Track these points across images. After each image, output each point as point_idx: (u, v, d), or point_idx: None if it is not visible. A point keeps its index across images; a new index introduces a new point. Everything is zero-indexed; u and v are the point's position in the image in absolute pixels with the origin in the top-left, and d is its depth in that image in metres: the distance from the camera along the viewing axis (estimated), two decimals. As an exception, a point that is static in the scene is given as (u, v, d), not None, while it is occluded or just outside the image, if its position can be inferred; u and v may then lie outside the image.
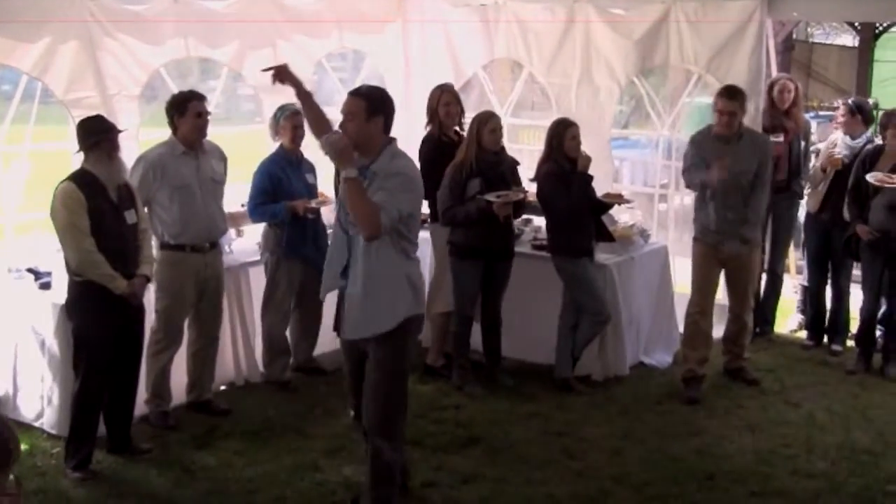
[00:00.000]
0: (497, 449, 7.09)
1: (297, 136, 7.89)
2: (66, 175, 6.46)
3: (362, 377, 5.72)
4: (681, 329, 8.92)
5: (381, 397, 5.70)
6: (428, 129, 8.56)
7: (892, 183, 8.32)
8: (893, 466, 6.93)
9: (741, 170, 7.94)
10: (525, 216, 8.66)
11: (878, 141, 8.92)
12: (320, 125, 6.00)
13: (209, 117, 7.34)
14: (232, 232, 8.30)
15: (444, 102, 8.44)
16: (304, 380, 8.32)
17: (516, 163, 8.19)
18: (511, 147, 8.46)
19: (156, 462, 6.83)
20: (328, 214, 8.41)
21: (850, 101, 9.58)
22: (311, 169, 8.23)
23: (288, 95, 8.62)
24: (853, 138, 9.13)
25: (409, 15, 10.37)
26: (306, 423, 7.49)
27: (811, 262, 9.52)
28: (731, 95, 7.96)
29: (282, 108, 8.01)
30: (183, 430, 7.32)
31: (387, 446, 5.75)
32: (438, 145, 8.32)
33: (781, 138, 9.17)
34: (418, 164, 8.17)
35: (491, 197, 7.64)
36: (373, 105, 5.57)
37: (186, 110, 7.15)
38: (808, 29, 28.56)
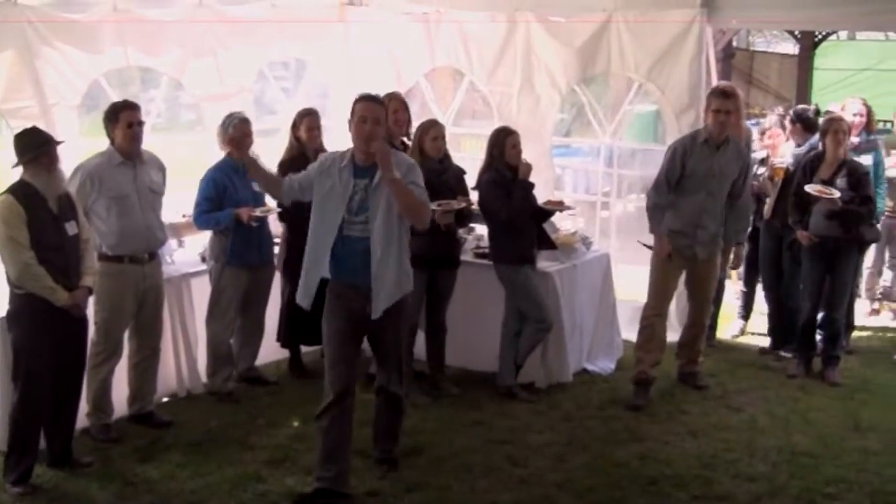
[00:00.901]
0: (441, 457, 7.07)
1: (244, 145, 7.86)
2: (4, 188, 6.39)
3: (355, 364, 6.45)
4: (623, 336, 9.01)
5: (400, 351, 6.65)
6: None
7: (829, 195, 8.42)
8: (833, 469, 7.00)
9: (726, 176, 8.04)
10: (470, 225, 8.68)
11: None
12: (273, 184, 6.75)
13: (150, 126, 7.28)
14: (173, 242, 8.25)
15: (392, 110, 8.37)
16: (247, 390, 8.28)
17: (463, 172, 8.19)
18: (454, 156, 8.47)
19: (97, 475, 6.74)
20: (274, 223, 8.42)
21: (791, 111, 9.75)
22: (257, 178, 8.19)
23: (231, 105, 8.67)
24: (798, 146, 9.26)
25: (350, 23, 10.38)
26: (249, 434, 7.43)
27: (766, 267, 9.61)
28: (727, 95, 8.00)
29: (229, 117, 7.98)
30: (125, 442, 7.23)
31: (402, 392, 6.73)
32: None
33: None
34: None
35: (432, 206, 7.63)
36: (384, 110, 6.32)
37: (119, 120, 7.07)
38: (750, 37, 28.86)
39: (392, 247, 6.21)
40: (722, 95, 7.99)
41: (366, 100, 6.22)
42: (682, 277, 8.44)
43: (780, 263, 9.41)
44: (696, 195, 8.02)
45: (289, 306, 8.43)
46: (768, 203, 9.34)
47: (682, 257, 8.19)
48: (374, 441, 6.87)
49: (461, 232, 8.54)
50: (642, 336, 8.38)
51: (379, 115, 6.17)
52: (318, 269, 6.24)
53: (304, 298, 6.33)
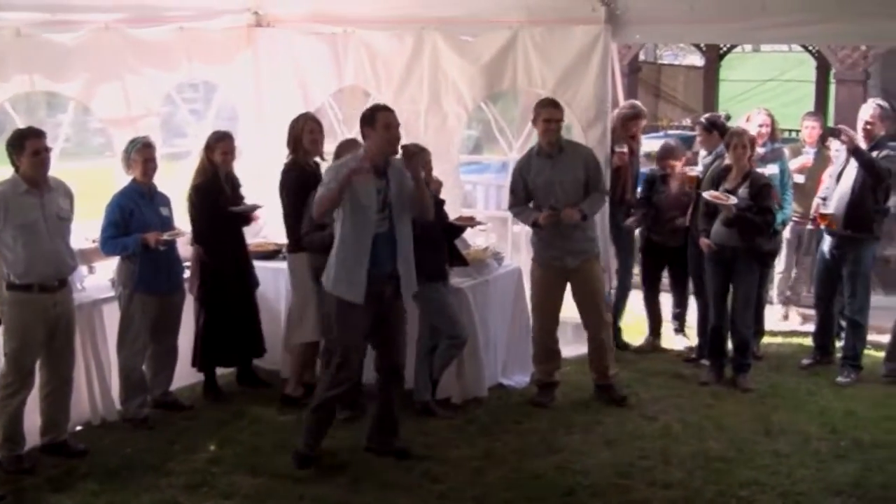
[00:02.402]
0: (359, 477, 7.07)
1: (148, 169, 7.82)
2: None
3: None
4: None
5: (405, 338, 7.39)
6: (290, 157, 8.47)
7: (724, 201, 8.60)
8: (746, 472, 7.14)
9: (568, 181, 8.19)
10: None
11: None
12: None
13: (59, 151, 7.19)
14: (83, 269, 8.16)
15: (308, 130, 8.39)
16: (162, 416, 8.18)
17: None
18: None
19: (11, 508, 6.64)
20: (184, 248, 8.36)
21: (702, 119, 9.95)
22: (166, 202, 8.14)
23: (138, 129, 8.61)
24: (708, 154, 9.46)
25: (258, 45, 10.36)
26: (165, 460, 7.35)
27: (693, 275, 9.74)
28: (557, 104, 8.31)
29: (133, 142, 7.93)
30: (38, 473, 7.11)
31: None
32: (304, 174, 8.23)
33: (625, 148, 9.43)
34: (282, 194, 8.21)
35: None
36: None
37: (24, 148, 6.95)
38: (657, 51, 29.26)
39: (408, 236, 7.09)
40: (550, 105, 8.27)
41: (386, 109, 7.04)
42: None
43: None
44: (544, 206, 8.21)
45: (205, 328, 8.42)
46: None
47: (556, 269, 8.34)
48: (380, 433, 7.45)
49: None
50: (535, 351, 8.67)
51: (398, 122, 7.05)
52: (362, 266, 6.91)
53: (357, 295, 6.92)
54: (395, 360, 7.28)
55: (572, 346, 9.21)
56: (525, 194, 8.38)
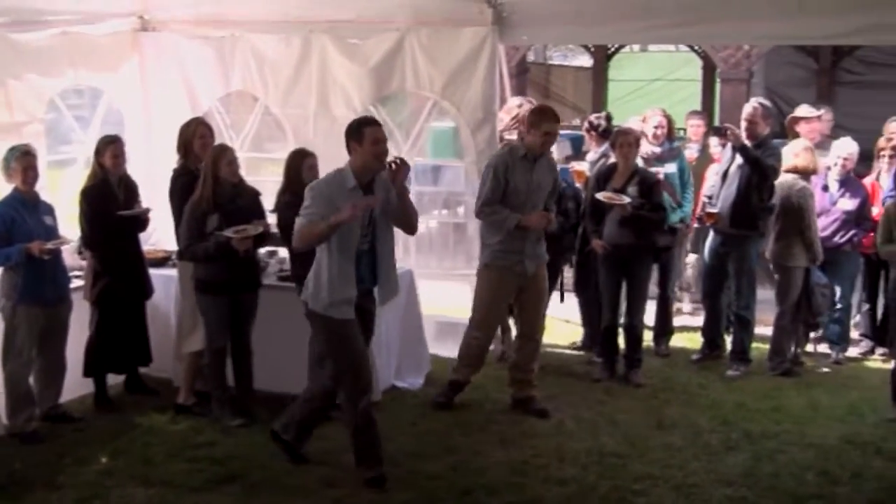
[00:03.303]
0: (255, 483, 7.02)
1: (29, 178, 7.65)
2: None
3: None
4: (431, 350, 9.18)
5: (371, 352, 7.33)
6: (180, 162, 8.40)
7: (619, 201, 8.72)
8: (640, 466, 7.25)
9: (543, 189, 8.19)
10: (270, 248, 8.64)
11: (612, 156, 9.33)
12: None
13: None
14: (-33, 281, 7.97)
15: (199, 135, 8.31)
16: (52, 428, 7.98)
17: (257, 193, 8.14)
18: (253, 180, 8.43)
19: None
20: (70, 257, 8.22)
21: (588, 120, 10.07)
22: (50, 211, 7.98)
23: (22, 135, 8.44)
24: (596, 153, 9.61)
25: (144, 49, 10.22)
26: (56, 474, 7.18)
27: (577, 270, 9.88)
28: (557, 118, 8.28)
29: (12, 150, 7.74)
30: (-78, 491, 6.94)
31: None
32: (193, 179, 8.04)
33: (515, 136, 9.46)
34: (172, 200, 8.10)
35: (229, 233, 7.59)
36: None
37: None
38: (547, 51, 29.50)
39: (389, 250, 7.07)
40: (553, 119, 8.19)
41: (374, 124, 6.94)
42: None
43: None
44: (521, 210, 8.09)
45: (97, 334, 8.28)
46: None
47: (513, 274, 8.25)
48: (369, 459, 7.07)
49: (263, 256, 8.52)
50: (467, 352, 8.49)
51: (385, 136, 6.96)
52: (350, 284, 6.82)
53: (346, 312, 6.84)
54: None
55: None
56: (502, 196, 8.16)
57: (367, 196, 6.72)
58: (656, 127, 10.02)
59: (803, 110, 10.82)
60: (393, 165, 6.76)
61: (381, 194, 6.83)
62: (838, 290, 9.80)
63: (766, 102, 9.53)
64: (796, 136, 10.11)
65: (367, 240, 6.86)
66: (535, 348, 8.52)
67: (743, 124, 9.20)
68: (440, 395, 8.53)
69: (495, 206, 8.15)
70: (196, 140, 8.31)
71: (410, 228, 7.19)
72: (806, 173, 9.29)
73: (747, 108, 9.30)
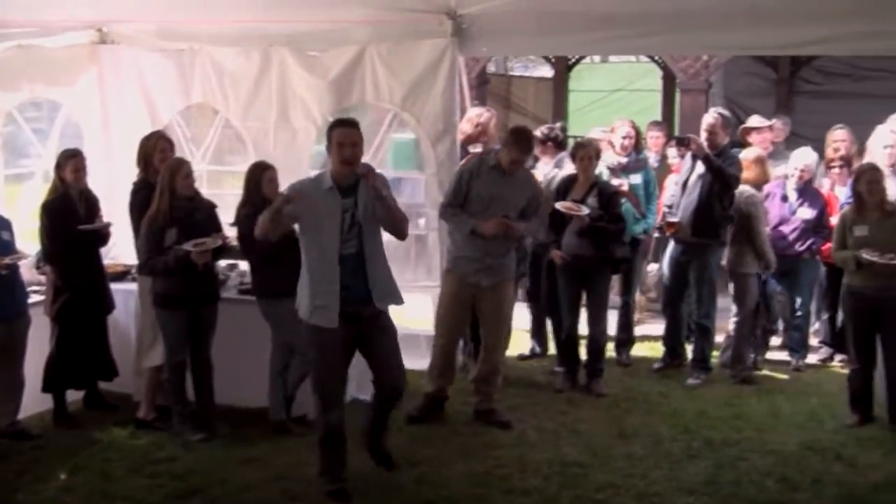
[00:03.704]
0: (216, 498, 6.98)
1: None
2: None
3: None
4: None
5: (400, 355, 7.02)
6: (140, 176, 8.36)
7: (578, 211, 8.75)
8: (602, 475, 7.26)
9: (512, 203, 8.15)
10: (230, 261, 8.61)
11: (568, 166, 9.37)
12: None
13: None
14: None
15: (160, 149, 8.29)
16: (10, 446, 7.89)
17: (214, 206, 8.11)
18: (214, 193, 8.41)
19: None
20: (28, 272, 8.16)
21: (540, 131, 10.10)
22: (7, 226, 7.92)
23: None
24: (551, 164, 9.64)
25: (103, 62, 10.17)
26: (14, 492, 7.11)
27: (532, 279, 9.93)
28: (531, 150, 8.46)
29: (-31, 166, 7.72)
30: None
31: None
32: (153, 192, 7.94)
33: (480, 148, 9.46)
34: (132, 214, 8.07)
35: (188, 246, 7.56)
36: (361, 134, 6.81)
37: None
38: (508, 62, 29.52)
39: (379, 255, 6.87)
40: (526, 151, 8.26)
41: (342, 125, 6.74)
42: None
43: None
44: (479, 218, 8.07)
45: (57, 350, 8.23)
46: None
47: (468, 284, 8.24)
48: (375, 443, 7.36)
49: (223, 269, 8.49)
50: (438, 361, 8.48)
51: (357, 138, 6.70)
52: (334, 289, 6.68)
53: (330, 320, 6.70)
54: (395, 378, 7.03)
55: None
56: (463, 200, 8.17)
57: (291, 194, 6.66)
58: (624, 137, 10.07)
59: (754, 121, 10.99)
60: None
61: (363, 197, 6.70)
62: (798, 299, 9.89)
63: (726, 112, 9.62)
64: (749, 146, 10.22)
65: (351, 244, 6.70)
66: (496, 360, 8.46)
67: (703, 135, 9.25)
68: (415, 408, 8.41)
69: (456, 209, 8.18)
70: (156, 154, 8.28)
71: (398, 233, 6.98)
72: (757, 183, 9.38)
73: (708, 119, 9.37)
